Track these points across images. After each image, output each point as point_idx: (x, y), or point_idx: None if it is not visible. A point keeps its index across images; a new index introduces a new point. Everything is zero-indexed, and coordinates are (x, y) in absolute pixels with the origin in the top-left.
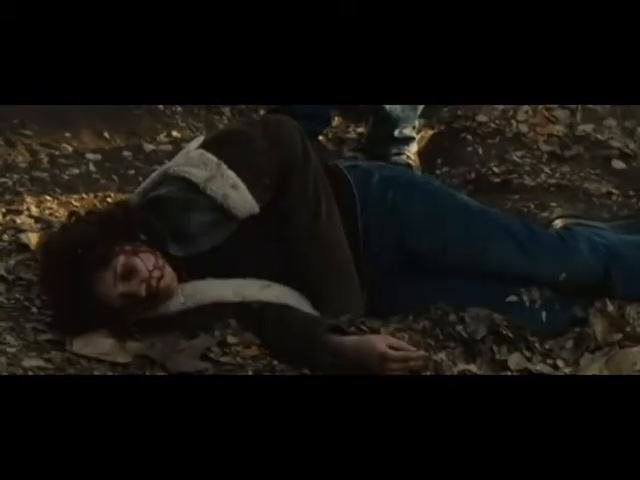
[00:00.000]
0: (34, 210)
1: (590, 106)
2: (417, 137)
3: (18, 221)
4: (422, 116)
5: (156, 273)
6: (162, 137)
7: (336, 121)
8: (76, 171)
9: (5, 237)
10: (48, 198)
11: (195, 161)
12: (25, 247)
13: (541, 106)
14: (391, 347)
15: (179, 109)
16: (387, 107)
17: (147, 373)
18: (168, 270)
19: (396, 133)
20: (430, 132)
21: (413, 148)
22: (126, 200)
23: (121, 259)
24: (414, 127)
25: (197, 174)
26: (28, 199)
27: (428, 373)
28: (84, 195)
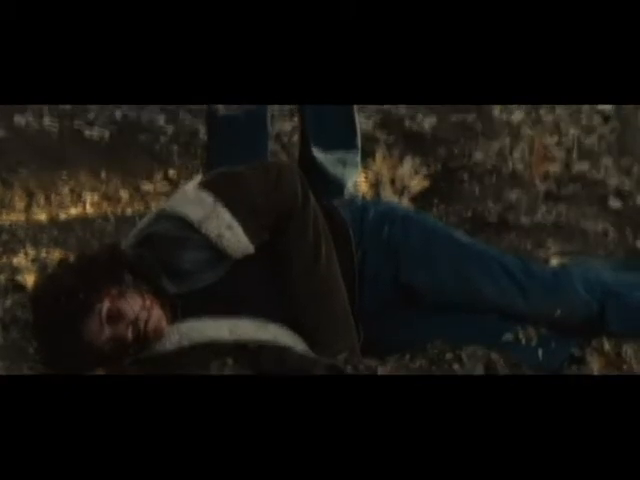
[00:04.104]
0: (31, 251)
1: (586, 144)
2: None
3: (15, 261)
4: (417, 154)
5: (143, 315)
6: (159, 177)
7: None
8: (73, 211)
9: (2, 277)
10: (45, 239)
11: (191, 200)
12: (22, 288)
13: (537, 143)
14: None
15: (176, 148)
16: (329, 171)
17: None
18: (156, 311)
19: (345, 192)
20: (426, 171)
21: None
22: (114, 243)
23: (106, 303)
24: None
25: (192, 213)
26: (25, 240)
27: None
28: (80, 235)
